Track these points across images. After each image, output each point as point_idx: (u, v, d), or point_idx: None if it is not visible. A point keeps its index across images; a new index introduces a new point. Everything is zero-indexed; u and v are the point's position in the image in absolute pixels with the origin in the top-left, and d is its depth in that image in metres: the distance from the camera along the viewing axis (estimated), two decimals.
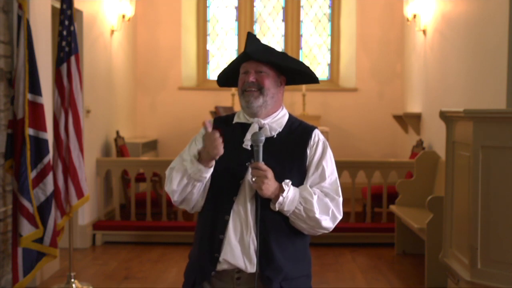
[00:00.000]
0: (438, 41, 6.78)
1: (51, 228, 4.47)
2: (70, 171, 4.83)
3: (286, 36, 9.11)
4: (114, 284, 5.17)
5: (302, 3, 9.11)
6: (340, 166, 6.70)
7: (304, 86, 8.46)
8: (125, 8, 7.70)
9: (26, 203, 4.28)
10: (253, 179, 2.19)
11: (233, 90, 8.51)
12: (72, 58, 4.84)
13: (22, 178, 4.28)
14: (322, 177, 2.31)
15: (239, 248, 2.25)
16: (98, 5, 6.91)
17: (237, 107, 8.65)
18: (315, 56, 9.19)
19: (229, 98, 8.56)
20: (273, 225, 2.26)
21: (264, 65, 2.32)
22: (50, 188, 4.49)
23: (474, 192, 3.63)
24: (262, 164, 2.20)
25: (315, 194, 2.26)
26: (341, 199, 2.33)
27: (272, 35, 9.16)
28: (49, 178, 4.48)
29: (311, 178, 2.31)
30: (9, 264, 4.53)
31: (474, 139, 3.61)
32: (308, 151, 2.33)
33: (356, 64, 8.86)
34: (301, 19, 9.12)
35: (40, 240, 4.42)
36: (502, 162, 3.56)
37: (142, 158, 7.65)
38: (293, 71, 2.38)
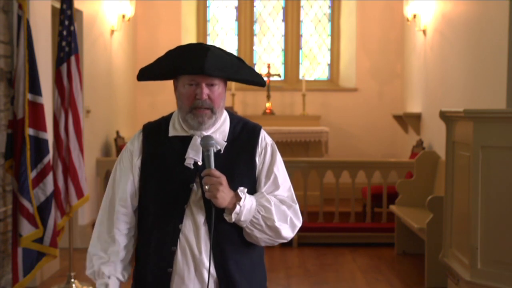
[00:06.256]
0: (438, 41, 6.78)
1: (51, 228, 4.47)
2: (70, 171, 4.83)
3: (286, 36, 9.10)
4: None
5: (302, 3, 9.10)
6: (340, 166, 6.77)
7: (304, 87, 8.46)
8: (125, 8, 7.69)
9: (26, 203, 4.28)
10: (206, 188, 1.97)
11: (233, 90, 8.50)
12: (72, 58, 4.84)
13: (22, 178, 4.28)
14: (276, 185, 2.13)
15: (193, 280, 2.04)
16: (98, 5, 6.90)
17: (237, 107, 8.68)
18: (315, 56, 9.19)
19: (229, 98, 8.55)
20: (232, 248, 2.07)
21: (216, 77, 2.05)
22: (50, 188, 4.49)
23: (474, 192, 3.63)
24: (214, 171, 1.98)
25: (272, 201, 2.09)
26: (297, 206, 2.15)
27: (272, 35, 9.16)
28: (49, 178, 4.48)
29: (264, 187, 2.12)
30: (9, 264, 4.53)
31: (474, 139, 3.61)
32: (257, 158, 2.13)
33: (356, 64, 8.85)
34: (301, 19, 9.11)
35: (40, 240, 4.42)
36: (502, 162, 3.56)
37: None
38: (245, 82, 2.14)
